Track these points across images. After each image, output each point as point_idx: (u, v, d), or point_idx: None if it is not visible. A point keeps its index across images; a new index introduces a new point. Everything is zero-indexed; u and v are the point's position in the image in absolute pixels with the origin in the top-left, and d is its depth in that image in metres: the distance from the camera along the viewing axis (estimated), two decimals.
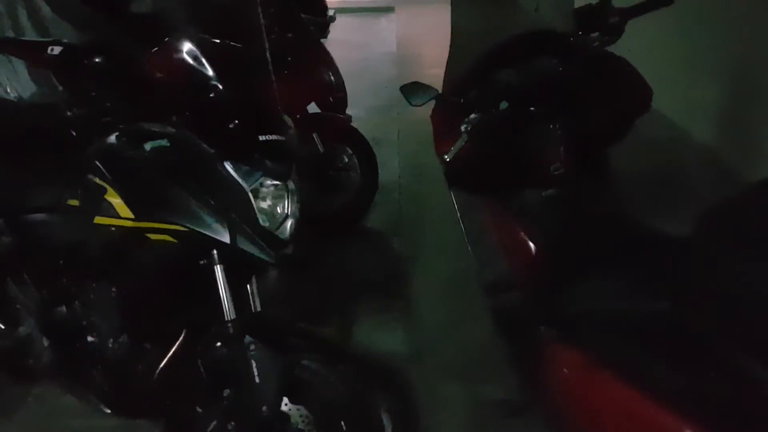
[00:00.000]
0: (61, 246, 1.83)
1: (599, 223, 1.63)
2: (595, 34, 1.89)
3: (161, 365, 1.81)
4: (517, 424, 2.11)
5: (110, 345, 1.84)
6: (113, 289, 1.80)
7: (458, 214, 2.24)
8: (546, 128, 1.84)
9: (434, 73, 6.26)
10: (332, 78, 3.34)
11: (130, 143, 1.70)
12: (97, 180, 1.71)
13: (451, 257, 3.04)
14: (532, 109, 1.84)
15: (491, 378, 2.26)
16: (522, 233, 1.86)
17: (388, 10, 9.14)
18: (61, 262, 1.83)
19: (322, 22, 3.97)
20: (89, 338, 1.86)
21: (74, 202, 1.79)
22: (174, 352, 1.81)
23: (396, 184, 3.76)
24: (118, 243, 1.70)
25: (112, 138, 1.73)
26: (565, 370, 1.32)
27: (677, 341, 1.10)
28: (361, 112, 3.23)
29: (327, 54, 3.40)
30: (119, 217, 1.64)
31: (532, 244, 1.82)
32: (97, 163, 1.69)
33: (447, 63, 2.09)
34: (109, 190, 1.67)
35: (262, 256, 1.63)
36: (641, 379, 1.11)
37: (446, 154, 1.94)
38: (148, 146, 1.71)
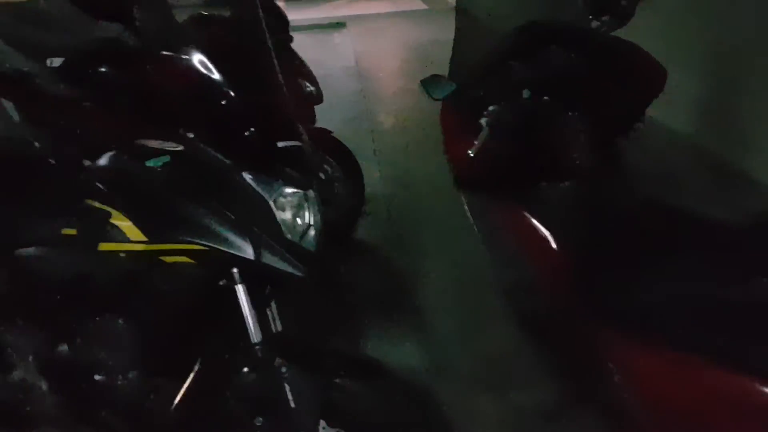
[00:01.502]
0: (59, 280, 1.66)
1: (640, 212, 1.57)
2: (606, 18, 1.85)
3: (177, 400, 1.66)
4: (552, 428, 2.03)
5: (119, 383, 1.69)
6: (120, 321, 1.65)
7: (471, 218, 2.17)
8: (566, 117, 1.79)
9: (399, 85, 6.27)
10: (310, 89, 3.25)
11: (131, 162, 1.57)
12: (97, 204, 1.57)
13: (452, 265, 2.97)
14: (546, 98, 1.79)
15: (520, 385, 2.19)
16: (548, 230, 1.80)
17: (340, 25, 9.10)
18: (59, 297, 1.67)
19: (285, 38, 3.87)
20: (96, 377, 1.69)
21: (71, 231, 1.63)
22: (191, 384, 1.67)
23: (381, 195, 3.67)
24: (128, 269, 1.56)
25: (109, 158, 1.61)
26: (646, 364, 1.25)
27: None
28: (332, 126, 3.15)
29: (303, 65, 3.30)
30: (130, 241, 1.51)
31: (561, 241, 1.75)
32: (99, 185, 1.55)
33: (452, 55, 2.02)
34: (115, 213, 1.53)
35: (292, 270, 1.51)
36: (739, 363, 1.04)
37: (461, 153, 1.86)
38: (150, 164, 1.58)
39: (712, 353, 1.09)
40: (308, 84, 3.25)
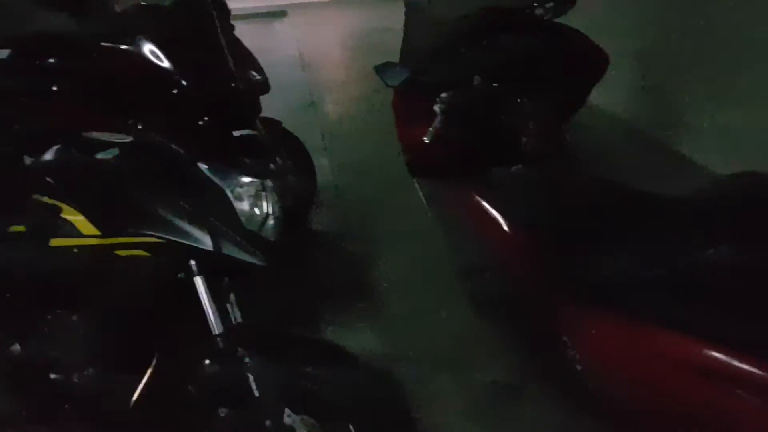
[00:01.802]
0: (9, 278, 1.60)
1: (588, 191, 1.64)
2: (550, 4, 1.91)
3: (136, 395, 1.63)
4: (514, 404, 2.09)
5: (76, 381, 1.64)
6: (74, 318, 1.61)
7: (425, 203, 2.20)
8: (516, 102, 1.83)
9: (344, 74, 6.23)
10: (257, 78, 3.20)
11: (80, 155, 1.52)
12: (46, 199, 1.52)
13: (406, 251, 3.01)
14: (495, 84, 1.83)
15: (479, 364, 2.24)
16: (501, 213, 1.84)
17: (281, 14, 8.97)
18: (8, 296, 1.61)
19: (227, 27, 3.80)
20: (51, 376, 1.64)
21: (19, 228, 1.58)
22: (149, 379, 1.64)
23: (332, 185, 3.67)
24: (81, 265, 1.51)
25: (57, 152, 1.56)
26: (601, 334, 1.31)
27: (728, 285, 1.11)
28: (277, 116, 3.11)
29: (249, 53, 3.25)
30: (83, 236, 1.46)
31: (514, 222, 1.80)
32: (48, 179, 1.50)
33: (403, 42, 2.04)
34: (66, 208, 1.49)
35: (252, 260, 1.50)
36: (687, 327, 1.11)
37: (415, 139, 1.89)
38: (99, 156, 1.54)
39: (663, 320, 1.15)
40: (254, 73, 3.21)
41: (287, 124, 3.22)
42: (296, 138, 3.23)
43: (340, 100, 5.37)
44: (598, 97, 2.47)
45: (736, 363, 1.04)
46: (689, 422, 1.12)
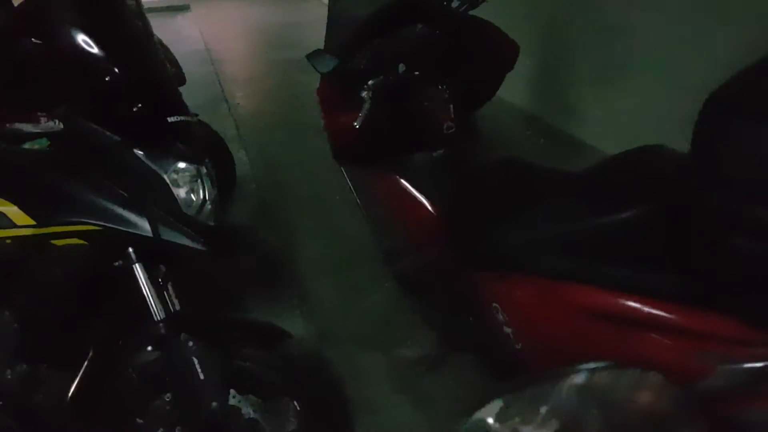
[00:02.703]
0: None
1: (504, 169, 1.78)
2: None
3: (72, 389, 1.62)
4: (434, 376, 2.22)
5: (8, 377, 1.60)
6: (5, 313, 1.57)
7: (351, 188, 2.28)
8: (435, 91, 1.95)
9: (252, 67, 6.22)
10: (173, 70, 3.15)
11: (8, 144, 1.50)
12: None
13: (327, 238, 3.08)
14: (417, 73, 1.94)
15: (402, 340, 2.35)
16: (421, 194, 1.96)
17: (184, 8, 8.74)
18: None
19: None
20: None
21: None
22: (85, 371, 1.63)
23: (250, 177, 3.67)
24: (14, 256, 1.48)
25: None
26: (519, 296, 1.46)
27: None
28: (191, 109, 3.09)
29: (163, 45, 3.19)
30: (16, 226, 1.44)
31: (433, 202, 1.93)
32: None
33: (326, 33, 2.10)
34: None
35: (192, 245, 1.53)
36: (596, 281, 1.28)
37: (341, 126, 1.97)
38: (26, 146, 1.52)
39: (571, 276, 1.32)
40: (169, 65, 3.16)
41: (202, 117, 3.20)
42: (213, 131, 3.21)
43: (249, 93, 5.35)
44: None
45: (625, 303, 1.22)
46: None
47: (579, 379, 1.17)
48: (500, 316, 1.53)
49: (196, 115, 3.09)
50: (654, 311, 1.20)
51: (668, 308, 1.18)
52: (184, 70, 2.80)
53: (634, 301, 1.21)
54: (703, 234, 1.08)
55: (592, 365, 1.17)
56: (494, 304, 1.55)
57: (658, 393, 1.10)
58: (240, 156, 3.85)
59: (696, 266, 1.14)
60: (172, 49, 2.79)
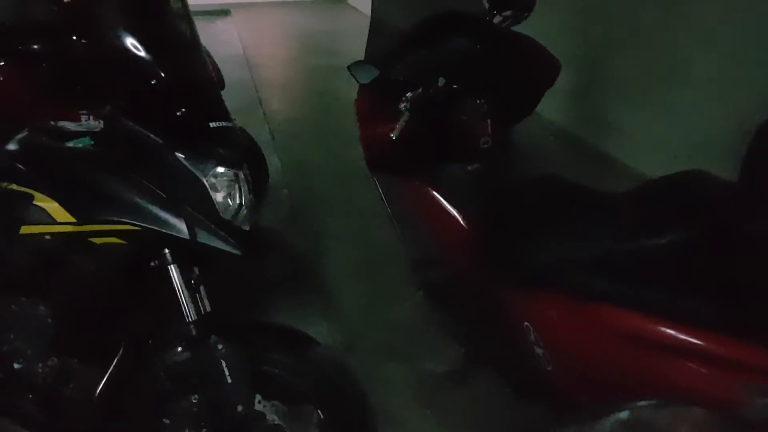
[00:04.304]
0: None
1: (542, 186, 1.76)
2: (508, 12, 2.02)
3: (101, 385, 1.64)
4: (460, 390, 2.20)
5: (40, 370, 1.63)
6: (40, 307, 1.60)
7: (383, 198, 2.29)
8: (474, 105, 1.95)
9: (289, 74, 6.26)
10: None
11: (52, 141, 1.53)
12: (16, 187, 1.51)
13: (357, 246, 3.08)
14: (455, 87, 1.94)
15: (428, 353, 2.34)
16: (455, 207, 1.96)
17: (224, 13, 8.88)
18: None
19: None
20: (15, 365, 1.63)
21: None
22: (115, 368, 1.65)
23: (282, 183, 3.70)
24: (53, 252, 1.51)
25: (27, 138, 1.55)
26: (552, 316, 1.44)
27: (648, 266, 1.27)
28: None
29: (205, 48, 3.24)
30: (56, 223, 1.46)
31: (467, 216, 1.92)
32: (19, 165, 1.49)
33: (367, 44, 2.11)
34: (37, 195, 1.48)
35: (228, 249, 1.53)
36: (630, 303, 1.26)
37: (377, 136, 1.97)
38: (70, 144, 1.55)
39: (608, 298, 1.30)
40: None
41: (237, 122, 3.23)
42: (248, 135, 3.24)
43: (285, 99, 5.40)
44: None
45: (664, 330, 1.19)
46: (627, 387, 1.26)
47: (623, 415, 1.15)
48: (531, 336, 1.51)
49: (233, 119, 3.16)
50: (692, 339, 1.17)
51: (707, 337, 1.15)
52: (223, 74, 2.84)
53: (673, 329, 1.19)
54: (750, 262, 1.05)
55: (638, 403, 1.15)
56: (525, 324, 1.53)
57: (701, 429, 1.08)
58: (273, 161, 3.88)
59: (739, 294, 1.12)
60: (213, 54, 2.82)
